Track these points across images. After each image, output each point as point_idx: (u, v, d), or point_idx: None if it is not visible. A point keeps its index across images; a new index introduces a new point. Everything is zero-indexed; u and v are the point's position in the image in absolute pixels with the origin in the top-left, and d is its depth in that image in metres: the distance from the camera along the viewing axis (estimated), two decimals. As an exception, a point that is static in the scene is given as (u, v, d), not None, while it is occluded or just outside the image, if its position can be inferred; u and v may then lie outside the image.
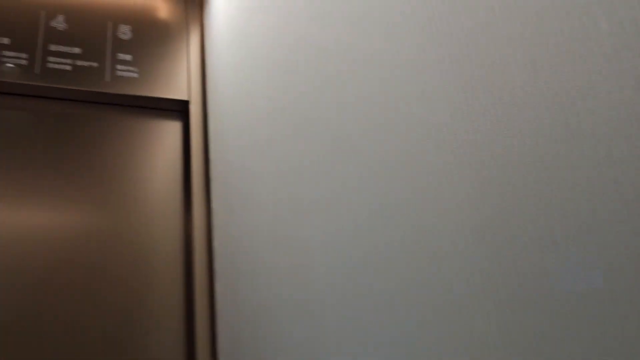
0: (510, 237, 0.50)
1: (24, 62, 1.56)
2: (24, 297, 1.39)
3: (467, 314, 0.55)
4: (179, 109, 1.75)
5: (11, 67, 1.54)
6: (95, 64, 1.63)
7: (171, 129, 1.72)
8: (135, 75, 1.66)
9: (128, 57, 1.68)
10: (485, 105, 0.54)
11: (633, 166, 0.40)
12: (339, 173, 0.83)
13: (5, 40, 1.57)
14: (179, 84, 1.72)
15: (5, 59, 1.54)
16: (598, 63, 0.43)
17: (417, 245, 0.63)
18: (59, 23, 1.65)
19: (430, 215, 0.61)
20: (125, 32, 1.72)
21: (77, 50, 1.63)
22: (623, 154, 0.41)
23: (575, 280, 0.43)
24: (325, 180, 0.87)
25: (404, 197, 0.66)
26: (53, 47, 1.61)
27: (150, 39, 1.75)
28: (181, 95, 1.70)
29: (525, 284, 0.48)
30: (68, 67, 1.60)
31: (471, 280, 0.54)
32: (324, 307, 0.86)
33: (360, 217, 0.76)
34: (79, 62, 1.62)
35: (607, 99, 0.42)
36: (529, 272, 0.48)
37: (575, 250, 0.44)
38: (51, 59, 1.59)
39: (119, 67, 1.65)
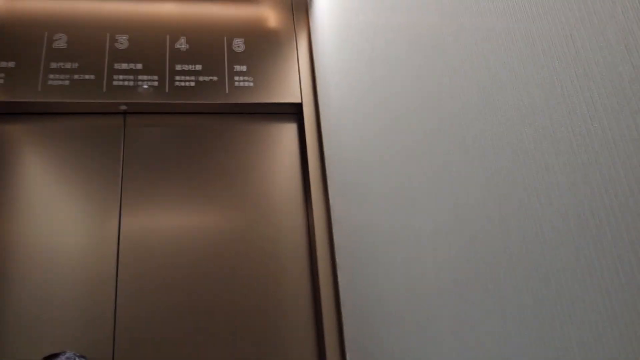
0: (619, 224, 0.49)
1: (155, 83, 1.75)
2: (172, 291, 1.56)
3: (578, 305, 0.54)
4: (293, 112, 1.84)
5: (146, 89, 1.73)
6: (215, 78, 1.77)
7: (287, 130, 1.82)
8: (250, 84, 1.78)
9: (243, 68, 1.81)
10: (580, 88, 0.53)
11: None
12: (446, 165, 0.84)
13: (139, 66, 1.76)
14: (291, 87, 1.81)
15: (140, 82, 1.74)
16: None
17: (519, 233, 0.63)
18: (182, 44, 1.82)
19: (533, 204, 0.61)
20: (239, 44, 1.84)
21: (198, 67, 1.78)
22: None
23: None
24: (432, 173, 0.89)
25: (509, 185, 0.66)
26: (178, 67, 1.78)
27: (262, 48, 1.86)
28: (294, 99, 1.79)
29: (628, 271, 0.47)
30: (192, 84, 1.75)
31: (576, 267, 0.54)
32: (434, 298, 0.88)
33: (465, 210, 0.77)
34: (201, 78, 1.77)
35: None
36: (630, 259, 0.47)
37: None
38: (177, 77, 1.76)
39: (236, 78, 1.78)
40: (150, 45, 1.80)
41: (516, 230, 0.64)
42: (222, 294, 1.58)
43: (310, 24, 1.90)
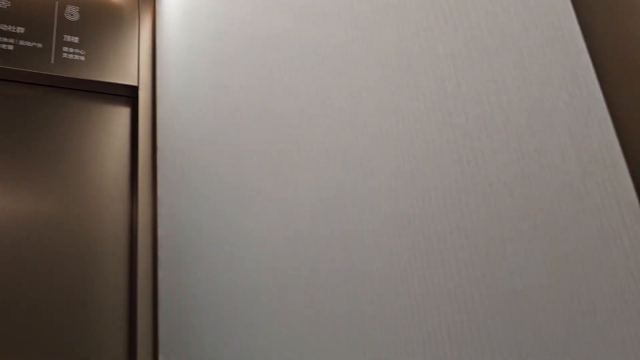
0: (431, 231, 0.51)
1: (-37, 39, 1.50)
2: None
3: (388, 309, 0.56)
4: (127, 95, 1.70)
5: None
6: (39, 45, 1.57)
7: (119, 114, 1.68)
8: (82, 57, 1.61)
9: (75, 40, 1.63)
10: (409, 99, 0.55)
11: (540, 161, 0.41)
12: (278, 167, 0.82)
13: (-56, 16, 1.50)
14: (128, 69, 1.67)
15: (-57, 36, 1.48)
16: (511, 60, 0.44)
17: (342, 236, 0.64)
18: (1, 1, 1.59)
19: (357, 208, 0.62)
20: (72, 13, 1.66)
21: (20, 29, 1.57)
22: (532, 148, 0.42)
23: (515, 276, 0.44)
24: (264, 173, 0.87)
25: (336, 189, 0.67)
26: (-5, 26, 1.55)
27: (99, 21, 1.70)
28: (130, 81, 1.66)
29: (435, 279, 0.49)
30: (10, 47, 1.54)
31: (390, 272, 0.55)
32: (254, 301, 0.86)
33: (293, 212, 0.76)
34: (23, 42, 1.56)
35: (518, 96, 0.43)
36: (437, 266, 0.49)
37: (508, 247, 0.45)
38: (-8, 37, 1.53)
39: (65, 49, 1.60)
40: (-38, -5, 1.55)
41: (340, 234, 0.65)
42: (29, 286, 1.40)
43: (157, 4, 1.79)
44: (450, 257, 0.48)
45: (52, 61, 1.57)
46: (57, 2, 1.66)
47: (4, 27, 1.56)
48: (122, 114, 1.68)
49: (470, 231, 0.46)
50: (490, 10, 0.47)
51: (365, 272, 0.59)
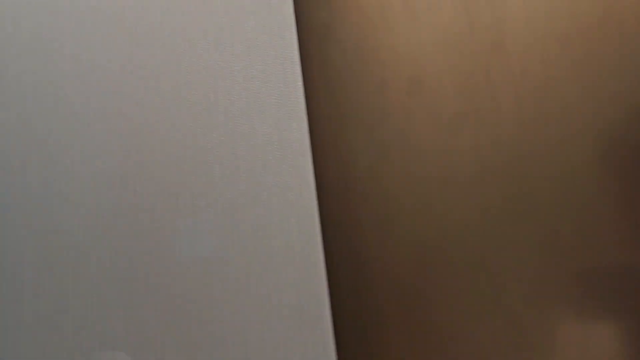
0: (132, 199, 0.54)
1: None
2: None
3: (92, 267, 0.56)
4: None
5: None
6: None
7: None
8: None
9: None
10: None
11: (250, 143, 0.48)
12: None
13: None
14: None
15: None
16: (241, 54, 0.51)
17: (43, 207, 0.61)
18: None
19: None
20: None
21: None
22: (245, 130, 0.49)
23: (190, 247, 0.50)
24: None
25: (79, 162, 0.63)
26: None
27: None
28: None
29: (149, 249, 0.52)
30: None
31: (99, 238, 0.56)
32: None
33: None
34: None
35: (243, 85, 0.50)
36: (153, 237, 0.52)
37: (192, 221, 0.50)
38: None
39: None
40: None
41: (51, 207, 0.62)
42: None
43: None
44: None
45: None
46: None
47: None
48: None
49: (180, 206, 0.51)
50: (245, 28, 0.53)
51: (77, 245, 0.58)
